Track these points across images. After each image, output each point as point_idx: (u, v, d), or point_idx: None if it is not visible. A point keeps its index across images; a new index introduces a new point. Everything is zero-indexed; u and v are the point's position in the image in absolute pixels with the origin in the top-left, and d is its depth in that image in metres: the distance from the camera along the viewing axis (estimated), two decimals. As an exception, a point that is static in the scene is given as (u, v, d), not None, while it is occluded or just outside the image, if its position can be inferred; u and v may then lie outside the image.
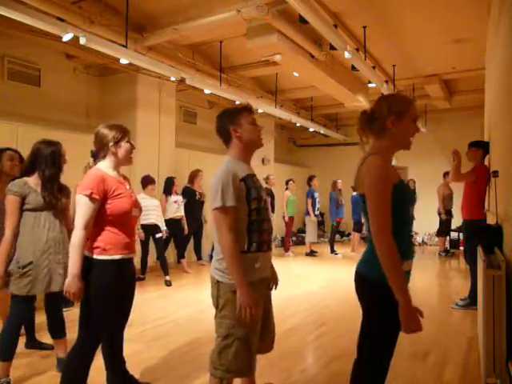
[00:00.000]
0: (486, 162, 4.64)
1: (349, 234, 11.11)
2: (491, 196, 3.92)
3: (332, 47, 5.47)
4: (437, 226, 8.93)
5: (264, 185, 7.84)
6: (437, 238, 9.68)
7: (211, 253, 6.81)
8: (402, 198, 1.74)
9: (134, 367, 2.78)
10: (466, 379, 2.89)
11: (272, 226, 2.23)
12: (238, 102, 7.46)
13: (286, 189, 8.92)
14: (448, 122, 10.20)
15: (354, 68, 6.10)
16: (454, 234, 9.20)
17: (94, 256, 2.19)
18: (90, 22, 4.71)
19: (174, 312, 4.53)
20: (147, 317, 4.27)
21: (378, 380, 1.80)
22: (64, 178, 2.89)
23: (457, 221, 8.30)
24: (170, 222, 6.35)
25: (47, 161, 2.71)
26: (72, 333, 2.82)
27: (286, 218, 8.79)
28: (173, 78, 6.25)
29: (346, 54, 5.18)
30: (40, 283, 2.64)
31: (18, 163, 3.16)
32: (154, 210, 5.95)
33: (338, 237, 10.62)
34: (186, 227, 6.62)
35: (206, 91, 6.73)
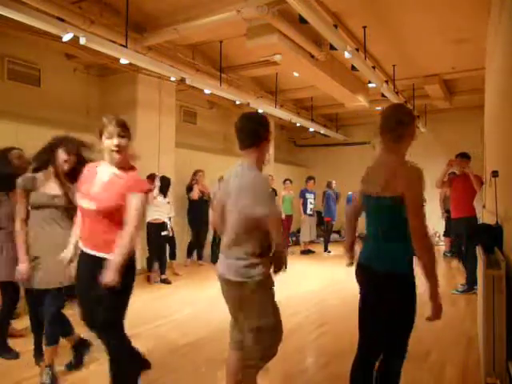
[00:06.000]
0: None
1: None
2: (487, 196, 3.92)
3: (332, 47, 5.47)
4: (437, 225, 8.94)
5: None
6: (438, 239, 9.70)
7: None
8: None
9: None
10: (466, 379, 2.89)
11: None
12: (238, 102, 7.46)
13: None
14: (448, 122, 10.19)
15: (353, 68, 6.10)
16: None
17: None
18: (90, 22, 4.70)
19: (174, 312, 4.53)
20: (147, 317, 4.26)
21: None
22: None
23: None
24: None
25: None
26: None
27: (283, 217, 8.83)
28: (173, 78, 6.24)
29: (346, 54, 5.18)
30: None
31: (26, 162, 3.14)
32: (164, 208, 6.00)
33: (336, 237, 10.62)
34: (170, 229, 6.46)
35: (206, 91, 6.73)
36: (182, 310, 4.64)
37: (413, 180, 1.89)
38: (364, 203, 2.14)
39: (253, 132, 2.21)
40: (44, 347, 2.77)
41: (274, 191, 8.38)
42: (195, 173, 7.07)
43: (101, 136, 2.25)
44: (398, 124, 1.99)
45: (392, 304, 1.95)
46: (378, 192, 1.96)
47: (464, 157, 5.38)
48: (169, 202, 6.45)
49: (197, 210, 6.95)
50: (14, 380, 2.79)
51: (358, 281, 2.13)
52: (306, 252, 8.99)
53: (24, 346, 3.24)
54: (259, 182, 2.15)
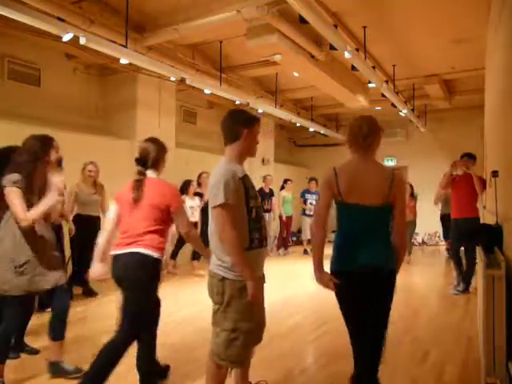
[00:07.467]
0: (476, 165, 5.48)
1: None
2: (487, 196, 3.92)
3: (332, 47, 5.46)
4: (437, 226, 8.95)
5: (261, 184, 8.30)
6: (438, 239, 9.75)
7: None
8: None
9: (133, 367, 2.78)
10: (466, 379, 2.89)
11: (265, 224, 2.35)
12: (238, 102, 7.46)
13: (282, 188, 9.07)
14: (448, 122, 10.18)
15: (354, 68, 6.09)
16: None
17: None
18: (89, 22, 4.70)
19: (174, 312, 4.52)
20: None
21: None
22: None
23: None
24: None
25: None
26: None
27: (284, 218, 8.87)
28: (173, 78, 6.24)
29: (346, 54, 5.18)
30: None
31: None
32: None
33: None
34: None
35: (206, 91, 6.73)
36: (181, 309, 4.63)
37: (404, 183, 2.21)
38: (352, 213, 2.15)
39: (229, 129, 2.23)
40: (54, 342, 2.82)
41: (271, 191, 8.49)
42: (200, 175, 7.02)
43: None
44: (374, 132, 2.28)
45: (386, 299, 2.10)
46: (378, 203, 2.07)
47: (470, 157, 5.39)
48: (192, 207, 6.50)
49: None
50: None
51: (358, 289, 2.05)
52: (307, 252, 8.99)
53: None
54: (216, 174, 2.13)
